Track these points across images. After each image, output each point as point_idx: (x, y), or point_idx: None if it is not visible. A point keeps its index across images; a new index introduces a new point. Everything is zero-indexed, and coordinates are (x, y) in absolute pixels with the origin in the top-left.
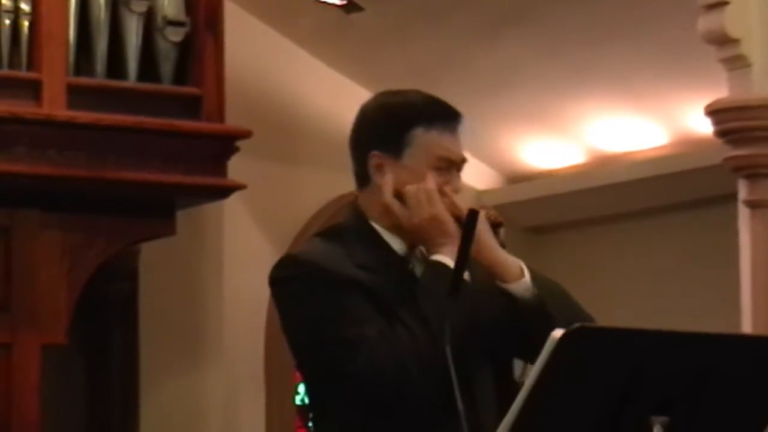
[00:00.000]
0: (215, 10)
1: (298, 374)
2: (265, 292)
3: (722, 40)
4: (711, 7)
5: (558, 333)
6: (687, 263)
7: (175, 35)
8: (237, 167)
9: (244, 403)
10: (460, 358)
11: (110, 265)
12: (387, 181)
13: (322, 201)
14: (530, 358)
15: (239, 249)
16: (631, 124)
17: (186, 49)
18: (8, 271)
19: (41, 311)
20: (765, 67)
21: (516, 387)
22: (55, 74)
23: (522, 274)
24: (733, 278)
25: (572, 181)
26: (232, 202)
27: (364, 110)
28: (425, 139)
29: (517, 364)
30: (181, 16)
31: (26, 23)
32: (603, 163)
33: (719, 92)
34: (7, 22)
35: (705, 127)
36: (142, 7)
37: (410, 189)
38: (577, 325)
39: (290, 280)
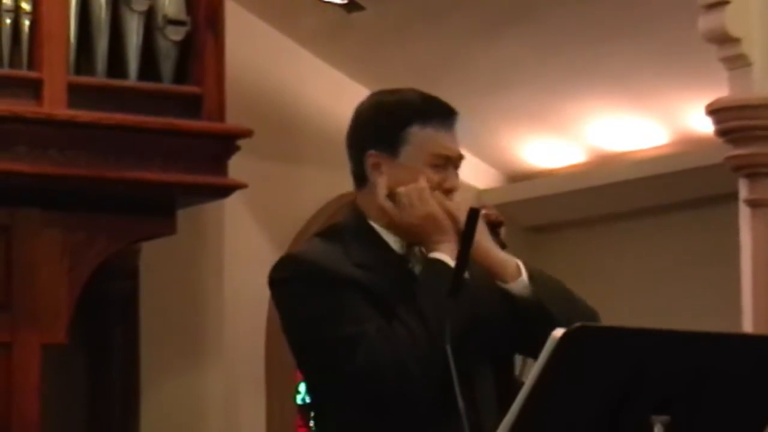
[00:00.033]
0: (216, 9)
1: (298, 373)
2: (265, 290)
3: (723, 40)
4: (711, 7)
5: (558, 332)
6: (687, 262)
7: (176, 34)
8: (238, 166)
9: (244, 402)
10: (460, 356)
11: (111, 264)
12: (380, 183)
13: (323, 200)
14: (530, 355)
15: (240, 248)
16: (631, 123)
17: (186, 48)
18: (9, 269)
19: (42, 310)
20: (765, 66)
21: (516, 384)
22: (56, 73)
23: (519, 273)
24: (733, 277)
25: (573, 180)
26: (233, 201)
27: (359, 110)
28: (421, 137)
29: (517, 361)
30: (182, 15)
31: (27, 22)
32: (603, 162)
33: (720, 91)
34: (8, 21)
35: (706, 127)
36: (142, 6)
37: (402, 190)
38: (577, 324)
39: (289, 280)
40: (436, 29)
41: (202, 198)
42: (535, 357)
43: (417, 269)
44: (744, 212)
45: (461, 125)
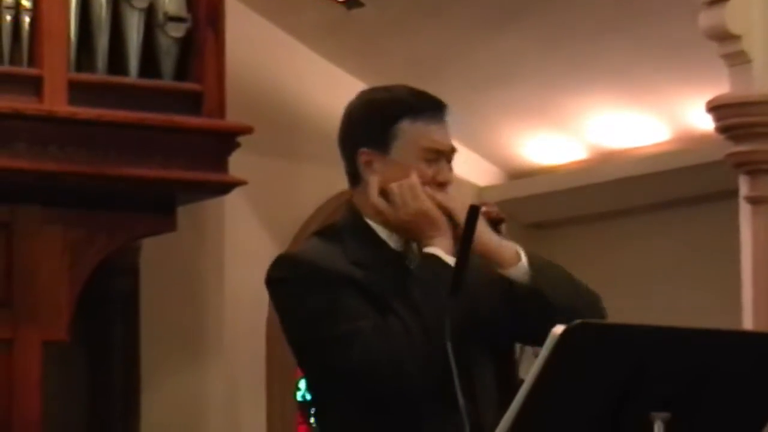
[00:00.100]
0: (216, 6)
1: (299, 370)
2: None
3: (723, 36)
4: (712, 3)
5: (559, 329)
6: (688, 259)
7: (176, 31)
8: (238, 163)
9: (245, 399)
10: (459, 351)
11: (111, 261)
12: (372, 181)
13: (324, 197)
14: (532, 343)
15: (240, 245)
16: (632, 120)
17: (187, 45)
18: (9, 267)
19: (42, 307)
20: (766, 63)
21: (515, 371)
22: (56, 70)
23: (519, 259)
24: (734, 274)
25: (573, 177)
26: (233, 198)
27: (349, 108)
28: (411, 132)
29: (516, 350)
30: (182, 12)
31: (27, 19)
32: (604, 159)
33: (720, 88)
34: (8, 18)
35: (706, 123)
36: (143, 3)
37: (394, 186)
38: (577, 321)
39: (287, 280)
40: (436, 25)
41: (203, 195)
42: (537, 345)
43: (414, 266)
44: (744, 209)
45: (452, 118)
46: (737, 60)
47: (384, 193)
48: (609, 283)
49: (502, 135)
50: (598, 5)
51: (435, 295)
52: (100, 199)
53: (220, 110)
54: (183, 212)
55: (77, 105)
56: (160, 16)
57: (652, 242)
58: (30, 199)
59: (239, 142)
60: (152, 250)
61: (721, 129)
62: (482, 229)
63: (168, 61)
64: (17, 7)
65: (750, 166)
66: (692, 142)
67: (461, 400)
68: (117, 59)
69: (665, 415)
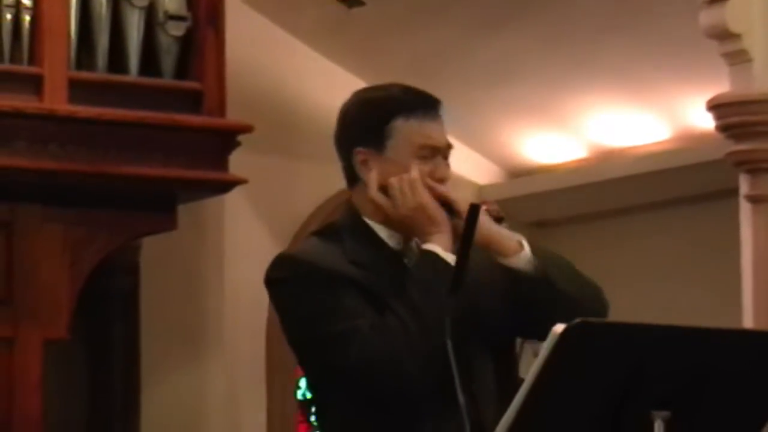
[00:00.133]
0: (216, 5)
1: (299, 368)
2: None
3: (723, 35)
4: (712, 2)
5: (559, 328)
6: (688, 258)
7: (177, 30)
8: (238, 162)
9: (245, 397)
10: (458, 349)
11: (111, 260)
12: (371, 177)
13: (324, 195)
14: (535, 337)
15: (240, 243)
16: (632, 118)
17: (187, 44)
18: (10, 265)
19: (43, 306)
20: (766, 61)
21: (516, 367)
22: (57, 69)
23: (521, 248)
24: (734, 273)
25: (573, 175)
26: (234, 196)
27: (343, 109)
28: (405, 129)
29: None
30: (183, 11)
31: (27, 18)
32: (604, 157)
33: (721, 87)
34: (9, 16)
35: (706, 122)
36: (143, 2)
37: (393, 181)
38: (578, 320)
39: (286, 280)
40: (436, 24)
41: (203, 193)
42: (541, 338)
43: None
44: (745, 208)
45: (447, 114)
46: (738, 59)
47: (383, 189)
48: (609, 282)
49: (503, 133)
50: (599, 4)
51: (433, 292)
52: (101, 197)
53: (221, 109)
54: (183, 211)
55: (77, 103)
56: (161, 15)
57: (652, 241)
58: (30, 197)
59: (239, 140)
60: (152, 248)
61: (722, 128)
62: (483, 220)
63: (168, 60)
64: (18, 6)
65: (750, 165)
66: (692, 140)
67: (462, 399)
68: (117, 58)
69: (665, 413)
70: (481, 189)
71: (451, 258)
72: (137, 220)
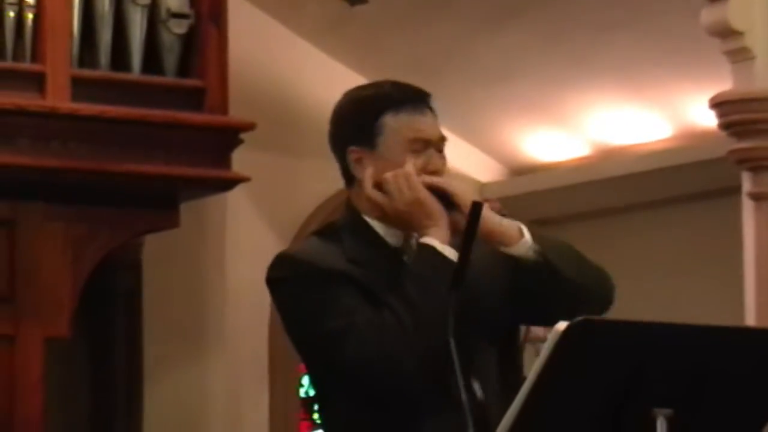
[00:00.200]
0: (219, 2)
1: (301, 365)
2: None
3: (725, 33)
4: (714, 0)
5: (561, 326)
6: (690, 256)
7: (179, 27)
8: (240, 160)
9: (247, 395)
10: (460, 345)
11: (114, 257)
12: (366, 175)
13: (326, 193)
14: (540, 322)
15: (242, 241)
16: (634, 116)
17: (190, 42)
18: (12, 263)
19: (45, 303)
20: None
21: (520, 357)
22: (59, 66)
23: (521, 235)
24: (736, 271)
25: (576, 173)
26: (236, 194)
27: (335, 109)
28: (395, 124)
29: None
30: (185, 9)
31: (30, 15)
32: (606, 155)
33: (723, 84)
34: (12, 14)
35: (709, 120)
36: (146, 0)
37: (388, 176)
38: (580, 318)
39: (286, 279)
40: (437, 21)
41: (205, 191)
42: (546, 323)
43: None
44: (747, 205)
45: (439, 106)
46: (740, 56)
47: (379, 186)
48: None
49: (504, 131)
50: (600, 1)
51: (431, 286)
52: (103, 195)
53: (223, 106)
54: (185, 208)
55: (80, 101)
56: (163, 13)
57: (653, 239)
58: (32, 195)
59: (242, 138)
60: (155, 246)
61: (724, 125)
62: (484, 213)
63: (171, 58)
64: (20, 3)
65: (752, 163)
66: (695, 138)
67: (464, 395)
68: (120, 55)
69: (668, 411)
70: (482, 186)
71: (449, 251)
72: (139, 218)
